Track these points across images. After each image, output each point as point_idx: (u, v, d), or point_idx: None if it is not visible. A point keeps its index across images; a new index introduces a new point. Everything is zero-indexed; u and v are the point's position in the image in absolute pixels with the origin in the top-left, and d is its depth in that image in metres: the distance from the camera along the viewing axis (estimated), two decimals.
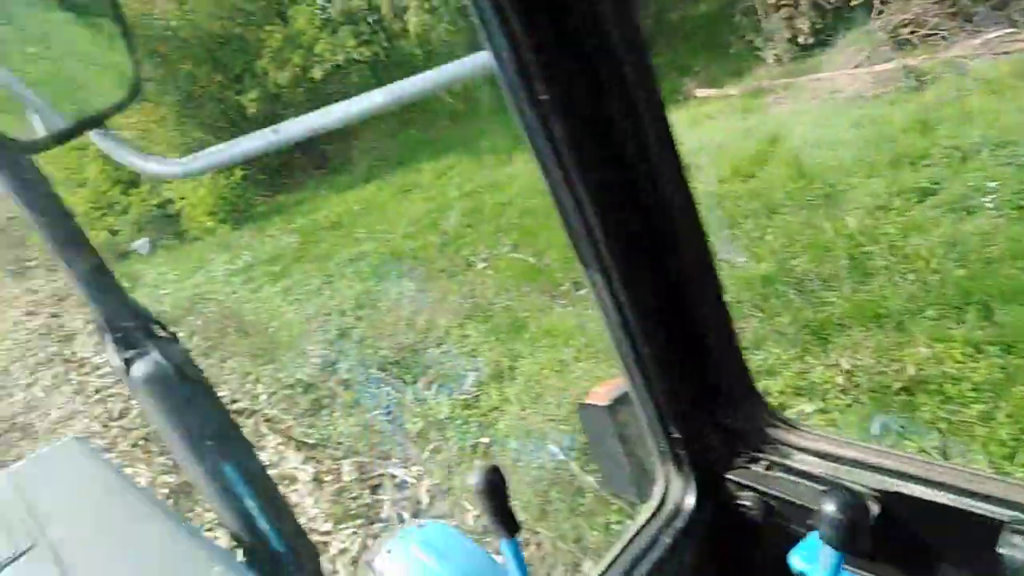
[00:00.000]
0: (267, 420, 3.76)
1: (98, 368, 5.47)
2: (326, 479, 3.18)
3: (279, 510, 0.86)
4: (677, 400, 0.71)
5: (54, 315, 7.48)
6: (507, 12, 0.55)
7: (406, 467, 3.03)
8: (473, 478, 0.77)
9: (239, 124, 8.45)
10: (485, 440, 3.01)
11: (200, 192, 7.99)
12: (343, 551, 2.74)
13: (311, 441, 3.48)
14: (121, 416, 4.38)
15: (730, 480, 0.77)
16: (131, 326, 0.82)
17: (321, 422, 3.62)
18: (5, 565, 0.99)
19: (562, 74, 0.58)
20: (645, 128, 0.62)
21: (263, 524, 0.84)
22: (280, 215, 8.06)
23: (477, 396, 3.37)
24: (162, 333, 0.84)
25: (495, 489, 0.78)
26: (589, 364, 3.21)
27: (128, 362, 0.80)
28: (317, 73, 8.24)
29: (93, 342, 6.03)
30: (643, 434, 0.78)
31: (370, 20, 8.40)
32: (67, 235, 0.76)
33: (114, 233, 9.04)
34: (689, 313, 0.71)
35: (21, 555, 1.00)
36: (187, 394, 0.82)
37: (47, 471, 1.31)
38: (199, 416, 0.83)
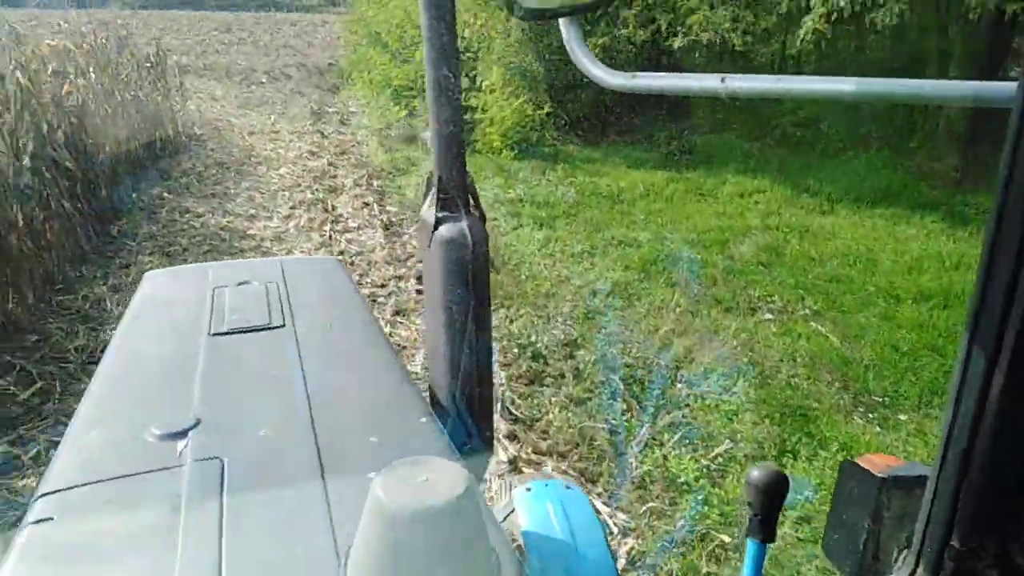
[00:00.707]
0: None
1: (348, 231, 5.64)
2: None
3: (482, 389, 1.06)
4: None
5: (330, 164, 8.04)
6: None
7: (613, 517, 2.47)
8: (756, 472, 0.73)
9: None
10: (725, 538, 2.35)
11: (504, 112, 7.97)
12: None
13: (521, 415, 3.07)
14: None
15: None
16: (453, 194, 1.02)
17: (537, 399, 3.19)
18: (259, 330, 1.16)
19: None
20: None
21: (462, 392, 1.05)
22: (564, 164, 7.80)
23: (723, 471, 2.70)
24: (475, 211, 1.04)
25: (774, 492, 0.74)
26: None
27: (439, 221, 1.01)
28: (676, 43, 7.71)
29: (353, 197, 6.34)
30: (900, 520, 0.70)
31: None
32: (448, 97, 1.00)
33: (413, 115, 9.53)
34: None
35: (274, 328, 1.16)
36: (468, 270, 1.00)
37: (307, 271, 1.51)
38: (466, 291, 1.01)
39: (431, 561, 0.59)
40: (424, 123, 9.61)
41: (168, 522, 0.71)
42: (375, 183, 7.22)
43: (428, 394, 1.12)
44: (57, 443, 0.92)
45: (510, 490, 1.22)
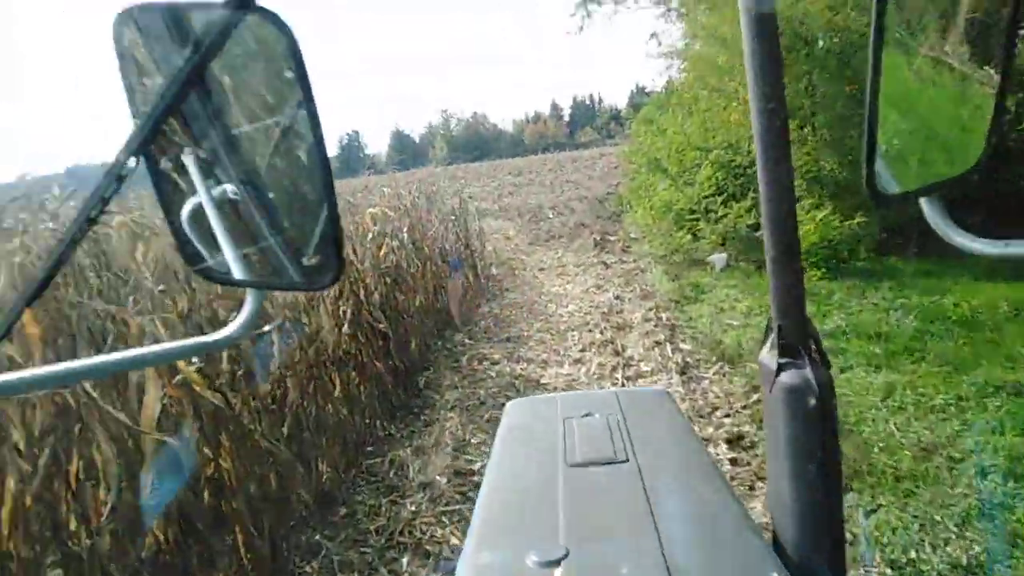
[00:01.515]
0: None
1: (642, 375, 5.20)
2: None
3: (834, 540, 1.02)
4: None
5: (617, 297, 7.84)
6: None
7: None
8: None
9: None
10: None
11: (807, 226, 7.08)
12: None
13: None
14: None
15: None
16: (794, 337, 1.00)
17: None
18: (608, 464, 1.26)
19: None
20: None
21: (814, 546, 1.01)
22: (890, 282, 6.54)
23: None
24: (816, 356, 1.01)
25: None
26: None
27: (781, 367, 0.99)
28: None
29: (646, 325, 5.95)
30: None
31: None
32: (784, 242, 0.99)
33: (697, 238, 9.07)
34: None
35: (619, 462, 1.25)
36: (815, 418, 0.97)
37: (644, 405, 1.61)
38: (812, 439, 0.99)
39: None
40: (710, 246, 9.12)
41: None
42: (663, 316, 6.79)
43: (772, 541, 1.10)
44: None
45: None
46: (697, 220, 9.27)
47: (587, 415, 1.48)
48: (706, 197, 9.15)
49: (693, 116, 10.24)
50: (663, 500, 1.12)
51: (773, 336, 1.02)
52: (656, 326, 6.46)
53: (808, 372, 0.99)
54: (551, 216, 16.68)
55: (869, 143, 0.68)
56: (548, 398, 1.71)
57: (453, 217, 9.48)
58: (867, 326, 5.38)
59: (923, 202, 0.68)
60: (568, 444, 1.35)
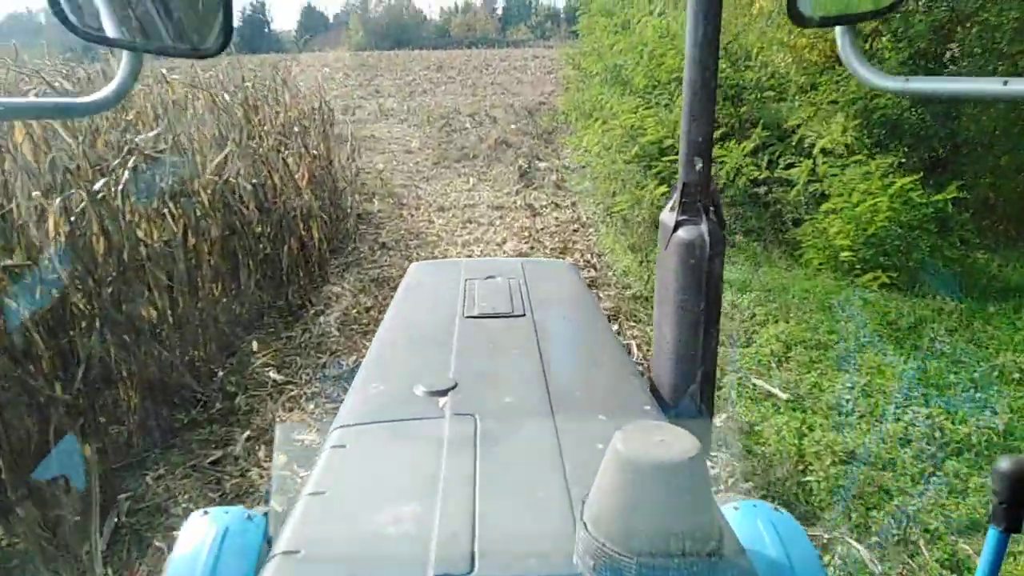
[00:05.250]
0: None
1: None
2: None
3: (706, 385, 1.12)
4: None
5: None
6: None
7: None
8: (1006, 461, 0.72)
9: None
10: None
11: (868, 201, 4.26)
12: None
13: None
14: None
15: None
16: (698, 200, 1.08)
17: None
18: (504, 316, 1.32)
19: None
20: None
21: (689, 387, 1.10)
22: (1006, 303, 3.90)
23: None
24: (714, 217, 1.09)
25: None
26: None
27: (679, 224, 1.09)
28: None
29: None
30: None
31: None
32: (703, 102, 1.06)
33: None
34: None
35: (515, 316, 1.33)
36: (703, 272, 1.06)
37: (546, 272, 1.65)
38: (699, 293, 1.08)
39: (667, 511, 0.62)
40: None
41: (433, 460, 0.87)
42: (629, 327, 3.96)
43: (649, 383, 1.17)
44: None
45: None
46: (675, 160, 6.27)
47: (490, 277, 1.54)
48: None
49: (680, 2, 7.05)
50: (552, 346, 1.19)
51: (677, 195, 1.11)
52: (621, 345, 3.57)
53: (704, 229, 1.07)
54: (468, 126, 13.21)
55: None
56: (452, 262, 1.85)
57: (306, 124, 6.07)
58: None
59: (837, 31, 0.73)
60: (467, 300, 1.41)
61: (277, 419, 3.19)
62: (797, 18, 0.75)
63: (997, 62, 4.26)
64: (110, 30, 0.66)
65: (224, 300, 3.95)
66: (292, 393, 3.43)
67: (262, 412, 3.28)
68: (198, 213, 3.65)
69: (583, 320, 1.38)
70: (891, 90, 0.70)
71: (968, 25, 4.39)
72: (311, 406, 3.31)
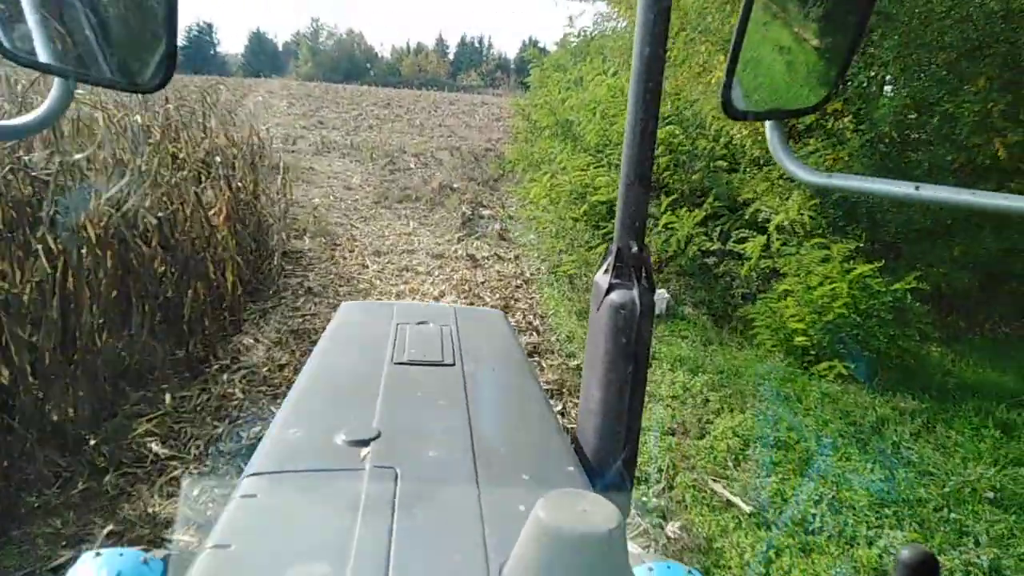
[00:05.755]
0: None
1: None
2: None
3: (629, 446, 1.09)
4: None
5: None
6: None
7: None
8: (907, 552, 0.65)
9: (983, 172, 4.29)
10: None
11: (827, 287, 4.09)
12: None
13: None
14: None
15: None
16: (631, 263, 1.07)
17: None
18: (433, 365, 1.29)
19: None
20: None
21: (612, 449, 1.08)
22: (972, 402, 3.74)
23: None
24: (645, 282, 1.08)
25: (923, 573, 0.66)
26: None
27: (612, 287, 1.07)
28: None
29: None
30: None
31: None
32: (641, 167, 1.03)
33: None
34: None
35: (445, 365, 1.30)
36: (632, 335, 1.05)
37: (478, 321, 1.64)
38: (627, 356, 1.06)
39: None
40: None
41: (349, 514, 0.82)
42: (573, 404, 3.59)
43: (573, 443, 1.15)
44: None
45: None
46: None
47: (422, 323, 1.49)
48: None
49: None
50: (479, 399, 1.17)
51: (611, 259, 1.09)
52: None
53: (635, 294, 1.06)
54: (413, 167, 12.85)
55: (731, 67, 0.74)
56: (385, 304, 1.68)
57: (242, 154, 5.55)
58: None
59: (767, 126, 0.75)
60: (398, 346, 1.36)
61: (150, 508, 2.61)
62: (731, 112, 0.77)
63: (957, 153, 4.24)
64: (43, 55, 0.64)
65: (107, 352, 3.34)
66: (175, 473, 2.86)
67: (134, 498, 2.69)
68: (83, 250, 3.08)
69: (512, 373, 1.36)
70: (815, 184, 0.72)
71: (929, 114, 4.36)
72: (195, 491, 2.75)
